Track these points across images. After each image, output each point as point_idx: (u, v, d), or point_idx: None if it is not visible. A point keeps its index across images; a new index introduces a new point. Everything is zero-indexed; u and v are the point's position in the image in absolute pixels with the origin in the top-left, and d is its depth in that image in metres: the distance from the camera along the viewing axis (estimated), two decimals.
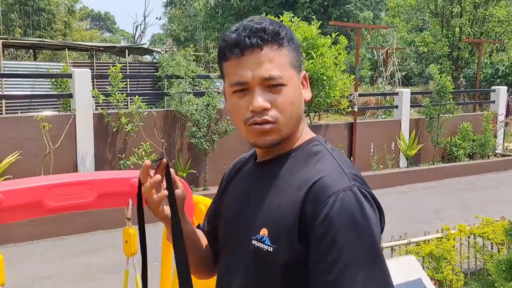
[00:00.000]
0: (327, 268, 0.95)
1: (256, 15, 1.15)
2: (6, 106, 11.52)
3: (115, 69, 6.44)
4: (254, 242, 1.06)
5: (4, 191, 1.70)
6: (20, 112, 10.81)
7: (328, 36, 7.46)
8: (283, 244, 1.01)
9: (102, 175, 1.94)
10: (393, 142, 9.20)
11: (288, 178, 1.08)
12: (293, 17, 7.46)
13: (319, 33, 7.37)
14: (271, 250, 1.02)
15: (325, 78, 7.19)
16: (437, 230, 4.51)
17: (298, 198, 1.02)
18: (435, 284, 4.16)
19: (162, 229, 2.14)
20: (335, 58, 7.39)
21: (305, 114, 7.82)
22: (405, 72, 26.95)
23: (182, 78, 7.53)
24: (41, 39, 14.41)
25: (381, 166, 8.90)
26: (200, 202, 2.05)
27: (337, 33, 7.71)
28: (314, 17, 7.40)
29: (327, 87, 7.28)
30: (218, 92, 7.17)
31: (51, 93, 9.27)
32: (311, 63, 7.04)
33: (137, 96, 6.52)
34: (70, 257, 5.10)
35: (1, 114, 10.92)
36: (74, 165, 6.35)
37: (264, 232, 1.05)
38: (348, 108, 8.04)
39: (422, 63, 25.14)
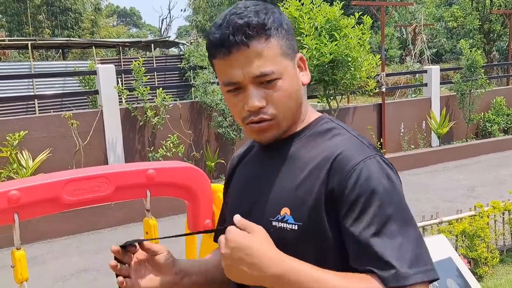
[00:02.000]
0: (362, 228, 0.93)
1: (243, 1, 1.09)
2: (39, 106, 11.81)
3: (138, 63, 6.49)
4: (274, 223, 1.02)
5: (20, 188, 1.72)
6: (53, 111, 11.07)
7: (352, 16, 7.31)
8: (309, 220, 0.99)
9: (119, 167, 1.95)
10: (424, 121, 9.00)
11: (303, 156, 1.05)
12: None
13: (342, 14, 7.23)
14: (296, 227, 0.99)
15: (349, 59, 7.06)
16: (470, 208, 4.40)
17: (320, 173, 0.99)
18: (469, 262, 4.06)
19: (184, 221, 2.15)
20: (360, 38, 7.25)
21: (332, 98, 7.72)
22: (436, 49, 26.26)
23: (206, 68, 7.53)
24: (68, 39, 14.67)
25: (412, 146, 8.73)
26: (219, 190, 2.04)
27: (361, 13, 7.54)
28: None
29: (352, 69, 7.15)
30: None
31: (78, 91, 9.44)
32: (335, 45, 6.93)
33: (161, 89, 6.57)
34: (105, 250, 5.21)
35: (34, 113, 11.20)
36: (104, 160, 6.47)
37: (285, 211, 1.02)
38: (375, 89, 7.89)
39: (452, 39, 24.42)
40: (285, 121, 1.05)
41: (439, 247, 2.75)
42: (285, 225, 1.01)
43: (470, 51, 9.18)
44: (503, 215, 4.38)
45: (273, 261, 0.92)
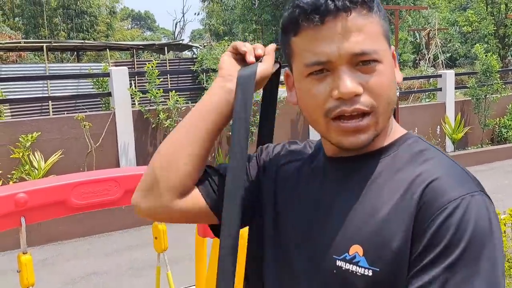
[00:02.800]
0: (433, 276, 0.72)
1: None
2: (53, 107, 11.90)
3: (151, 66, 6.49)
4: (340, 263, 0.81)
5: (28, 191, 1.70)
6: (66, 113, 11.15)
7: None
8: (389, 266, 0.77)
9: (128, 170, 1.93)
10: (438, 126, 8.88)
11: (391, 181, 0.82)
12: None
13: None
14: (371, 274, 0.77)
15: None
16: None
17: (409, 204, 0.78)
18: None
19: (194, 225, 2.12)
20: None
21: None
22: (450, 54, 26.05)
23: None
24: (82, 41, 14.81)
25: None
26: None
27: None
28: None
29: None
30: None
31: (91, 92, 9.49)
32: None
33: (173, 91, 6.57)
34: (115, 253, 5.19)
35: (48, 115, 11.29)
36: (116, 163, 6.47)
37: (356, 250, 0.80)
38: None
39: (467, 43, 24.21)
40: (383, 119, 0.83)
41: None
42: (354, 267, 0.79)
43: (486, 55, 9.06)
44: None
45: None
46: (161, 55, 16.47)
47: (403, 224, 0.77)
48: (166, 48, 14.86)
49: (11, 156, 5.69)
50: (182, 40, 26.05)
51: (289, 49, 0.87)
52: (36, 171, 5.67)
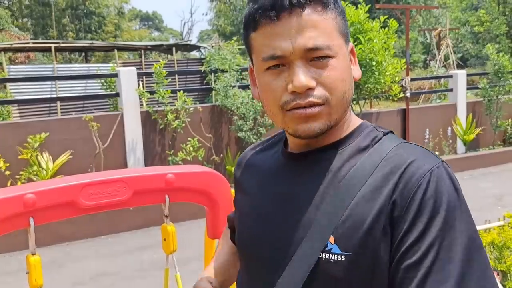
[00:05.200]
0: (418, 259, 0.78)
1: None
2: (61, 108, 11.93)
3: (159, 66, 6.46)
4: (322, 255, 0.85)
5: (36, 191, 1.67)
6: (75, 114, 11.17)
7: (377, 19, 7.19)
8: (361, 249, 0.81)
9: (137, 171, 1.89)
10: (449, 127, 8.79)
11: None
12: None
13: (367, 17, 7.11)
14: (344, 259, 0.82)
15: (374, 63, 6.93)
16: (499, 218, 4.23)
17: (380, 193, 0.82)
18: (498, 274, 3.89)
19: (203, 226, 2.07)
20: (384, 42, 7.11)
21: (355, 102, 7.59)
22: (461, 54, 25.85)
23: (227, 71, 7.48)
24: (91, 42, 14.84)
25: (437, 153, 8.51)
26: None
27: (386, 16, 7.40)
28: (362, 0, 7.12)
29: (376, 73, 7.01)
30: None
31: (99, 93, 9.49)
32: (359, 49, 6.80)
33: (181, 92, 6.53)
34: (123, 254, 5.17)
35: (57, 115, 11.31)
36: (124, 163, 6.45)
37: (329, 240, 0.84)
38: (399, 94, 7.73)
39: (478, 44, 24.01)
40: (336, 111, 0.87)
41: None
42: (328, 255, 0.83)
43: (497, 55, 8.95)
44: None
45: None
46: (169, 56, 16.47)
47: (374, 207, 0.81)
48: (174, 48, 14.85)
49: (19, 157, 5.68)
50: (190, 40, 26.09)
51: (250, 45, 0.91)
52: (44, 171, 5.66)
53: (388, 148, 0.87)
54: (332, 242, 0.83)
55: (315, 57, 0.84)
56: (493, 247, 3.92)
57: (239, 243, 1.04)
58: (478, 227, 4.04)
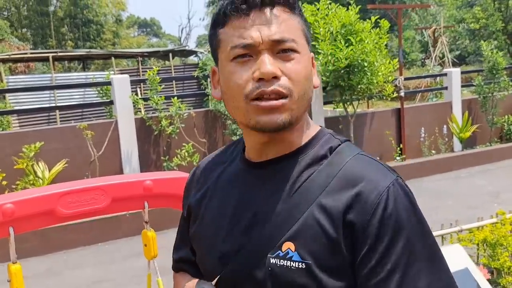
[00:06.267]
0: (385, 276, 0.82)
1: None
2: (60, 117, 11.99)
3: (152, 73, 6.50)
4: (274, 260, 0.86)
5: (15, 201, 1.70)
6: (74, 122, 11.23)
7: (368, 20, 7.22)
8: (320, 257, 0.84)
9: (115, 179, 1.92)
10: (445, 126, 8.79)
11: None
12: (330, 3, 7.27)
13: (358, 18, 7.14)
14: (304, 266, 0.84)
15: (365, 64, 6.95)
16: (492, 215, 4.24)
17: (337, 203, 0.85)
18: (491, 272, 3.90)
19: None
20: (376, 43, 7.13)
21: (348, 103, 7.61)
22: (459, 51, 25.83)
23: None
24: (88, 50, 14.92)
25: (433, 152, 8.53)
26: None
27: (377, 16, 7.43)
28: (352, 1, 7.16)
29: (368, 73, 7.04)
30: None
31: (94, 101, 9.55)
32: (350, 50, 6.83)
33: (175, 98, 6.57)
34: (119, 261, 5.19)
35: (56, 124, 11.37)
36: (119, 170, 6.48)
37: (288, 246, 0.86)
38: (393, 94, 7.75)
39: (476, 40, 24.04)
40: (298, 106, 0.89)
41: (455, 258, 2.63)
42: (289, 263, 0.85)
43: (492, 52, 8.96)
44: None
45: None
46: (166, 62, 16.53)
47: (332, 220, 0.85)
48: (170, 54, 14.91)
49: (15, 167, 5.72)
50: (187, 46, 26.16)
51: (217, 41, 0.93)
52: (40, 180, 5.70)
53: (345, 160, 0.90)
54: (293, 249, 0.85)
55: (281, 50, 0.87)
56: (486, 244, 3.93)
57: (202, 256, 1.03)
58: (471, 225, 4.05)
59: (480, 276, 2.62)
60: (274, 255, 0.87)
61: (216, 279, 0.94)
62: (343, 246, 0.84)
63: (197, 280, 1.00)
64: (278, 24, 0.88)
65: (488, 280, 3.81)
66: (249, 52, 0.87)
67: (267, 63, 0.85)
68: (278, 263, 0.86)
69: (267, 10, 0.88)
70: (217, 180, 1.03)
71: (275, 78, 0.86)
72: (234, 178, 0.99)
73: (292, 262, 0.85)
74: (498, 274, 3.91)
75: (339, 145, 0.94)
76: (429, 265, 0.84)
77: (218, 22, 0.92)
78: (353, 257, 0.84)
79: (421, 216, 0.87)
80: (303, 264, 0.84)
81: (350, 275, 0.85)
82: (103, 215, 1.87)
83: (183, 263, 1.10)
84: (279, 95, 0.86)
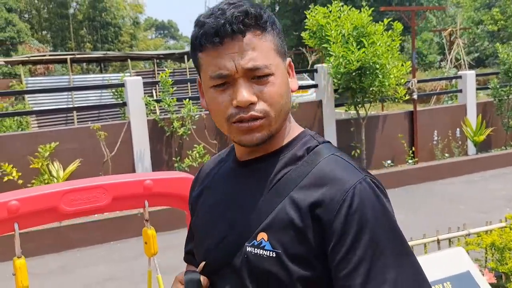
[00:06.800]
0: (352, 268, 0.87)
1: None
2: (77, 118, 12.21)
3: (164, 75, 6.59)
4: (250, 249, 0.95)
5: (20, 198, 1.77)
6: (90, 123, 11.41)
7: (380, 22, 7.21)
8: (289, 249, 0.91)
9: (116, 178, 1.98)
10: (459, 129, 8.72)
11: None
12: (342, 6, 7.29)
13: (371, 20, 7.14)
14: (275, 255, 0.92)
15: (377, 66, 6.95)
16: (501, 220, 4.21)
17: (306, 198, 0.92)
18: (500, 276, 3.88)
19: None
20: (388, 45, 7.12)
21: (360, 105, 7.61)
22: (478, 54, 25.50)
23: None
24: (105, 53, 15.14)
25: (446, 155, 8.47)
26: None
27: (390, 19, 7.42)
28: (364, 4, 7.16)
29: (380, 76, 7.03)
30: None
31: (108, 103, 9.70)
32: (362, 52, 6.84)
33: (187, 100, 6.64)
34: (130, 260, 5.28)
35: (73, 124, 11.58)
36: (132, 171, 6.57)
37: (262, 236, 0.94)
38: (405, 96, 7.72)
39: (494, 42, 23.71)
40: (275, 122, 0.97)
41: (456, 260, 2.64)
42: (261, 251, 0.94)
43: (507, 55, 8.86)
44: None
45: None
46: (182, 64, 16.68)
47: (301, 213, 0.92)
48: (186, 56, 15.04)
49: (30, 166, 5.86)
50: None
51: (197, 62, 1.00)
52: (55, 180, 5.82)
53: (319, 159, 0.98)
54: (266, 239, 0.94)
55: (256, 76, 0.94)
56: (494, 248, 3.91)
57: (196, 246, 1.15)
58: (479, 229, 4.03)
59: (483, 280, 2.62)
60: (250, 244, 0.95)
61: (202, 266, 1.04)
62: (310, 237, 0.91)
63: (186, 270, 1.10)
64: (250, 51, 0.93)
65: (496, 284, 3.79)
66: (226, 81, 0.94)
67: (243, 92, 0.93)
68: (253, 251, 0.94)
69: (239, 39, 0.93)
70: (212, 178, 1.14)
71: (252, 104, 0.94)
72: (225, 176, 1.10)
73: (264, 251, 0.93)
74: (506, 279, 3.88)
75: (317, 146, 1.01)
76: (396, 259, 0.88)
77: (195, 47, 0.98)
78: (321, 250, 0.91)
79: (388, 213, 0.92)
80: (273, 253, 0.92)
81: (316, 266, 0.91)
82: (104, 212, 1.94)
83: (191, 255, 1.23)
84: (257, 118, 0.95)
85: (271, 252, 0.92)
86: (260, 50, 0.94)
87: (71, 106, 11.69)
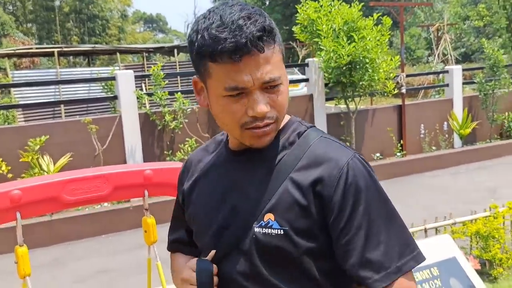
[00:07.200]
0: (352, 234, 0.99)
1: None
2: (65, 112, 12.13)
3: (156, 68, 6.60)
4: (258, 229, 1.03)
5: (22, 188, 1.82)
6: (79, 117, 11.35)
7: (370, 17, 7.28)
8: (295, 225, 1.01)
9: (117, 168, 2.03)
10: (445, 122, 8.87)
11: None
12: (332, 0, 7.35)
13: (361, 15, 7.21)
14: (282, 232, 1.01)
15: (367, 61, 7.03)
16: (485, 209, 4.33)
17: (306, 178, 1.02)
18: (484, 263, 4.00)
19: None
20: (378, 40, 7.20)
21: (350, 99, 7.69)
22: (464, 49, 25.76)
23: None
24: (93, 46, 15.03)
25: (433, 148, 8.61)
26: None
27: (380, 14, 7.50)
28: None
29: (370, 70, 7.12)
30: None
31: (98, 96, 9.65)
32: (353, 47, 6.91)
33: (179, 93, 6.67)
34: (123, 252, 5.31)
35: (61, 118, 11.50)
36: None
37: (269, 217, 1.03)
38: (394, 90, 7.82)
39: (480, 38, 23.96)
40: (280, 123, 1.07)
41: (443, 247, 2.73)
42: (269, 230, 1.02)
43: (493, 50, 9.01)
44: None
45: None
46: (171, 57, 16.63)
47: (303, 192, 1.02)
48: (176, 50, 14.99)
49: (20, 160, 5.85)
50: None
51: (205, 69, 1.02)
52: (45, 174, 5.82)
53: (310, 142, 1.08)
54: (273, 219, 1.02)
55: (269, 86, 1.01)
56: (479, 237, 4.03)
57: (198, 233, 1.18)
58: (464, 218, 4.14)
59: (468, 266, 2.72)
60: (258, 225, 1.03)
61: (212, 254, 1.09)
62: (313, 212, 1.02)
63: (196, 258, 1.13)
64: (266, 65, 0.99)
65: (480, 271, 3.91)
66: (241, 91, 1.00)
67: (261, 104, 1.00)
68: (261, 231, 1.03)
69: (257, 54, 0.97)
70: (206, 168, 1.19)
71: (266, 112, 1.02)
72: (220, 166, 1.16)
73: (272, 230, 1.02)
74: (490, 266, 4.01)
75: (305, 130, 1.11)
76: (387, 223, 1.02)
77: (207, 54, 0.98)
78: (324, 222, 1.02)
79: (377, 184, 1.05)
80: (281, 230, 1.01)
81: (319, 236, 1.03)
82: (105, 202, 1.99)
83: (179, 243, 1.30)
84: (269, 124, 1.03)
85: (279, 230, 1.01)
86: (273, 62, 1.00)
87: (58, 99, 11.62)
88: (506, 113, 9.43)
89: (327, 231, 1.02)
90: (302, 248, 1.02)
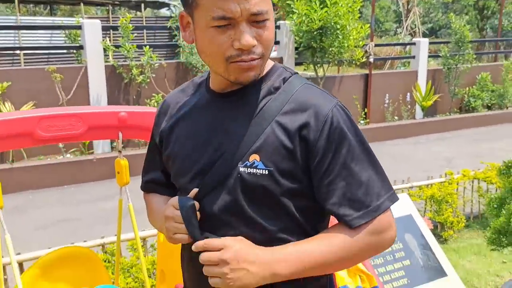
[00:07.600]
0: (336, 175, 1.04)
1: None
2: (24, 60, 11.68)
3: (125, 20, 6.45)
4: (243, 169, 1.05)
5: None
6: (39, 66, 10.96)
7: None
8: (280, 166, 1.04)
9: (92, 108, 2.02)
10: (409, 93, 9.09)
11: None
12: None
13: None
14: (267, 172, 1.04)
15: (338, 27, 7.08)
16: (441, 175, 4.54)
17: (293, 122, 1.05)
18: (436, 226, 4.23)
19: None
20: (350, 6, 7.24)
21: (319, 65, 7.76)
22: (431, 24, 26.10)
23: None
24: None
25: (396, 118, 8.84)
26: None
27: None
28: None
29: (340, 37, 7.18)
30: None
31: (62, 45, 9.32)
32: (325, 12, 6.93)
33: (147, 47, 6.55)
34: (86, 203, 5.30)
35: (20, 66, 11.10)
36: None
37: (254, 157, 1.05)
38: (362, 58, 7.93)
39: (448, 14, 24.31)
40: (266, 61, 1.07)
41: (401, 205, 2.87)
42: (254, 170, 1.04)
43: (459, 25, 9.21)
44: (472, 183, 4.53)
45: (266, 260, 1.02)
46: (138, 12, 16.16)
47: (289, 135, 1.05)
48: (143, 5, 14.58)
49: None
50: None
51: (196, 4, 1.02)
52: None
53: (295, 88, 1.10)
54: (258, 159, 1.05)
55: (257, 20, 1.00)
56: (433, 201, 4.24)
57: (179, 172, 1.18)
58: (421, 183, 4.34)
59: (423, 224, 2.88)
60: (243, 165, 1.06)
61: (195, 191, 1.11)
62: (298, 155, 1.05)
63: (176, 196, 1.14)
64: None
65: (432, 232, 4.12)
66: (228, 22, 0.98)
67: (247, 36, 0.99)
68: (246, 171, 1.05)
69: None
70: (186, 109, 1.19)
71: (253, 46, 1.01)
72: (202, 107, 1.16)
73: (257, 170, 1.05)
74: (441, 228, 4.24)
75: (290, 76, 1.13)
76: (367, 165, 1.08)
77: None
78: (307, 164, 1.06)
79: (358, 130, 1.10)
80: (266, 170, 1.04)
81: (302, 179, 1.07)
82: (79, 141, 1.98)
83: (154, 184, 1.31)
84: (255, 59, 1.03)
85: (264, 170, 1.04)
86: None
87: (18, 45, 11.17)
88: (467, 88, 9.75)
89: (309, 174, 1.06)
90: (284, 188, 1.05)
